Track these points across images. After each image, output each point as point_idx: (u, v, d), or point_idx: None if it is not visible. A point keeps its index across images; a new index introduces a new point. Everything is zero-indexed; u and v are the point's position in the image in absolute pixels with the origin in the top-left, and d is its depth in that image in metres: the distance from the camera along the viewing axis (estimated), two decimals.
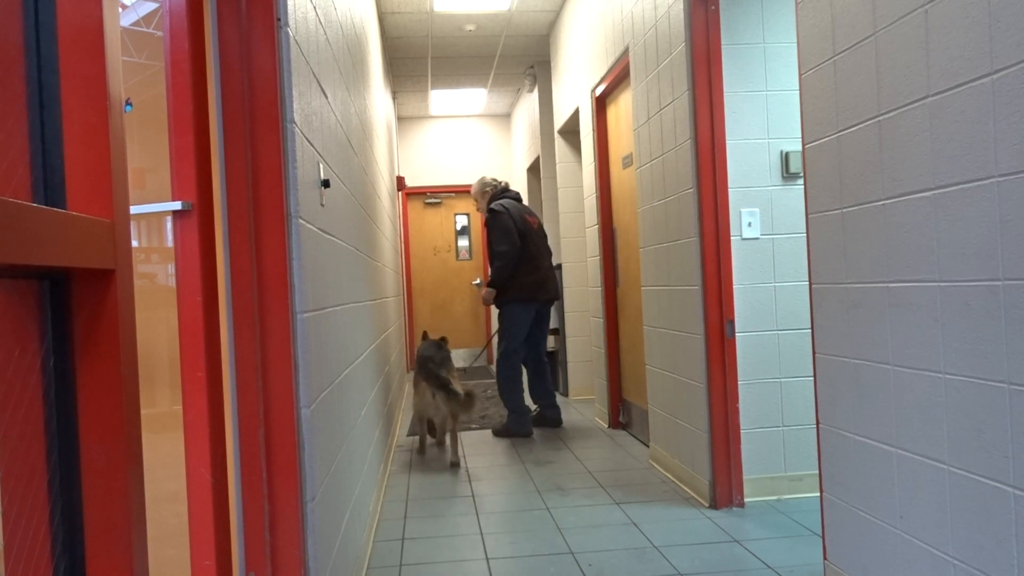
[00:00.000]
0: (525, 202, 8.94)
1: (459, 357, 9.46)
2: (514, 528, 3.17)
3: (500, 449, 4.73)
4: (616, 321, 5.16)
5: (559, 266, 6.57)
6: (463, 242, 9.43)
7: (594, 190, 5.21)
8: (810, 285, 2.32)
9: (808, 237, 2.32)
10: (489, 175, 6.06)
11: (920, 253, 1.82)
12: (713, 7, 3.27)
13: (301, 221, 1.78)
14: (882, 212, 1.96)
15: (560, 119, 6.38)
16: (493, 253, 4.98)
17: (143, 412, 0.93)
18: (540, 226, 5.22)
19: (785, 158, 3.32)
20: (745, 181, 3.32)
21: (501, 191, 5.24)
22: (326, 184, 2.17)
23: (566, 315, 6.41)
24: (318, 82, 2.19)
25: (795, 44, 2.42)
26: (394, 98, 7.98)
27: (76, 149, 0.86)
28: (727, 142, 3.29)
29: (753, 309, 3.32)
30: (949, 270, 1.72)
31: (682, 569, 2.64)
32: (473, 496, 3.69)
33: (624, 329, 5.02)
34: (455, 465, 4.34)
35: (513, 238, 4.93)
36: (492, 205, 5.06)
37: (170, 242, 1.53)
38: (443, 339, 4.79)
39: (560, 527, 3.15)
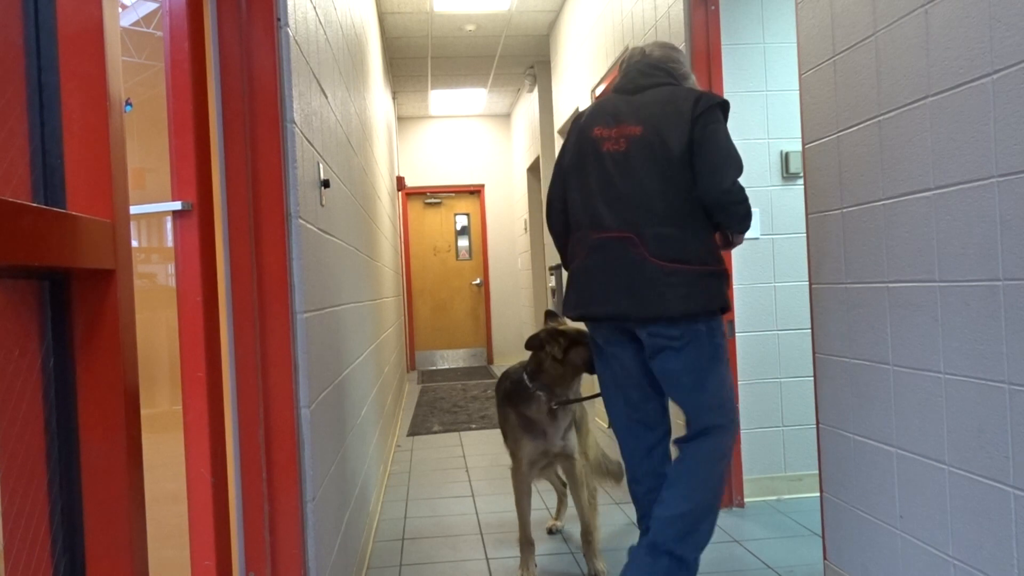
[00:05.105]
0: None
1: (459, 358, 9.48)
2: (514, 528, 3.17)
3: (499, 449, 4.73)
4: None
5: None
6: (463, 242, 9.44)
7: None
8: (810, 285, 2.32)
9: (808, 237, 2.31)
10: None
11: (920, 253, 1.82)
12: (713, 7, 3.27)
13: (301, 221, 1.78)
14: (882, 212, 1.96)
15: (560, 119, 6.37)
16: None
17: (143, 412, 0.93)
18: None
19: (785, 158, 3.32)
20: (745, 181, 3.30)
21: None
22: (326, 184, 2.17)
23: None
24: (318, 82, 2.19)
25: (795, 44, 2.42)
26: (394, 98, 7.97)
27: (76, 149, 0.86)
28: None
29: (753, 309, 3.32)
30: (949, 270, 1.72)
31: None
32: (473, 496, 3.69)
33: None
34: None
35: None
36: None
37: (170, 242, 1.53)
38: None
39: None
